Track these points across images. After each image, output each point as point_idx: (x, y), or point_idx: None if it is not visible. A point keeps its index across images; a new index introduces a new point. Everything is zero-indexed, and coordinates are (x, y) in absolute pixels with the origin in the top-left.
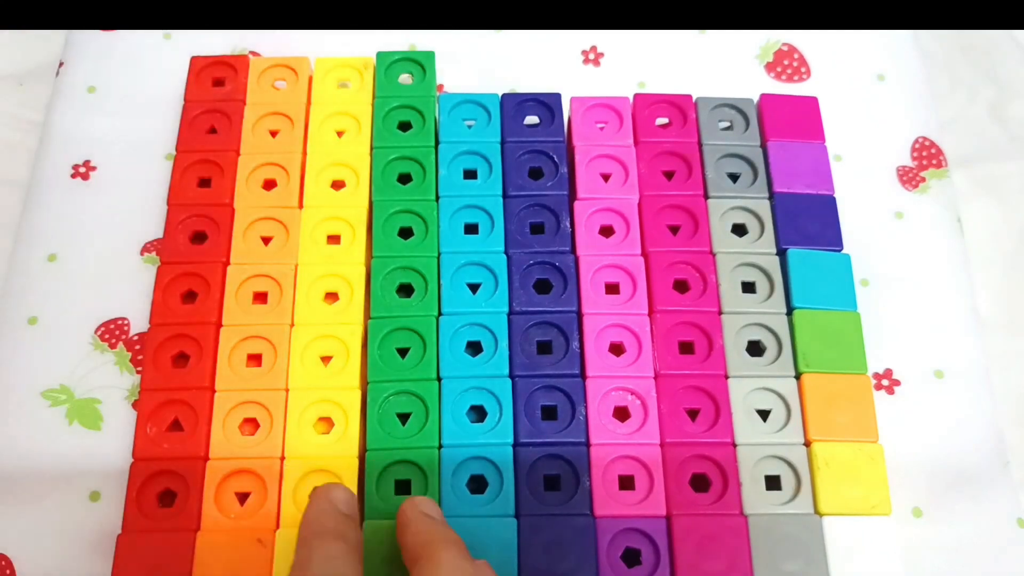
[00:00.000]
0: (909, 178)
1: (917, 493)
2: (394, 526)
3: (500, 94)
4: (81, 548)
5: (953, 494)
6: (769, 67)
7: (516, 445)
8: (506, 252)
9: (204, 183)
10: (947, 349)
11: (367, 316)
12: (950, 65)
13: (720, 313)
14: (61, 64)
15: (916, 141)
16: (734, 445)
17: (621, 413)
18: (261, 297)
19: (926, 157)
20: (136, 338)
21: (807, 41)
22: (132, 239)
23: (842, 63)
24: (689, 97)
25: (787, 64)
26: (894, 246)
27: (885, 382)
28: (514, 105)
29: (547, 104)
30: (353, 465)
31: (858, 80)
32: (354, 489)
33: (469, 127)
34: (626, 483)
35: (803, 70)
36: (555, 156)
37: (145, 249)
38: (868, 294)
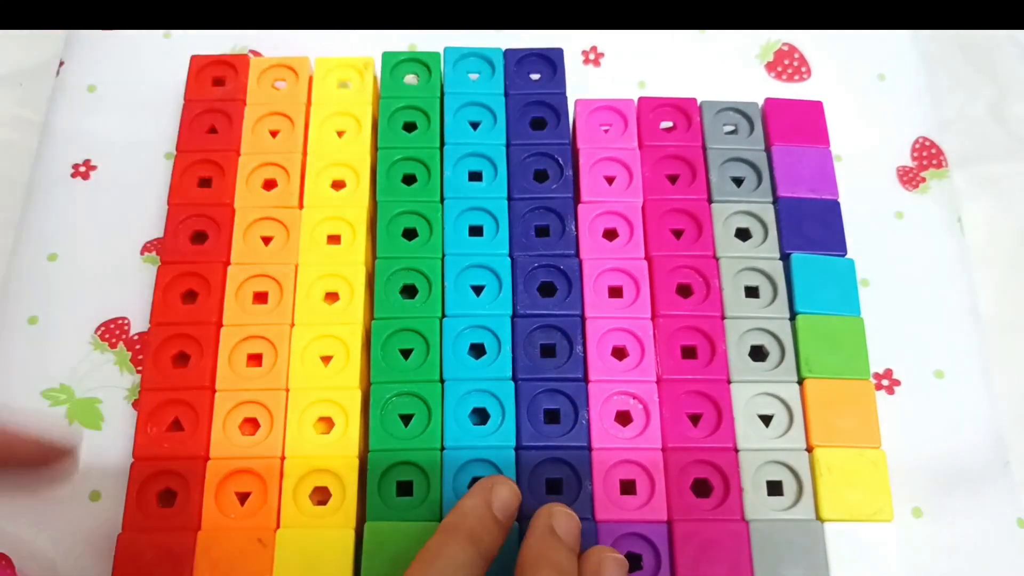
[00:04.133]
0: (909, 178)
1: (917, 493)
2: (396, 527)
3: (505, 95)
4: (81, 548)
5: (953, 494)
6: (769, 67)
7: (518, 448)
8: (510, 255)
9: (204, 183)
10: (947, 349)
11: (367, 316)
12: (950, 65)
13: (723, 318)
14: (61, 64)
15: (916, 141)
16: (736, 450)
17: (623, 417)
18: (261, 297)
19: (926, 157)
20: (136, 338)
21: (807, 41)
22: (132, 239)
23: (842, 63)
24: (694, 101)
25: (787, 64)
26: (894, 246)
27: (885, 382)
28: (519, 107)
29: (553, 106)
30: (353, 465)
31: (858, 80)
32: (354, 494)
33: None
34: (627, 488)
35: (803, 70)
36: (560, 159)
37: (145, 249)
38: (868, 294)
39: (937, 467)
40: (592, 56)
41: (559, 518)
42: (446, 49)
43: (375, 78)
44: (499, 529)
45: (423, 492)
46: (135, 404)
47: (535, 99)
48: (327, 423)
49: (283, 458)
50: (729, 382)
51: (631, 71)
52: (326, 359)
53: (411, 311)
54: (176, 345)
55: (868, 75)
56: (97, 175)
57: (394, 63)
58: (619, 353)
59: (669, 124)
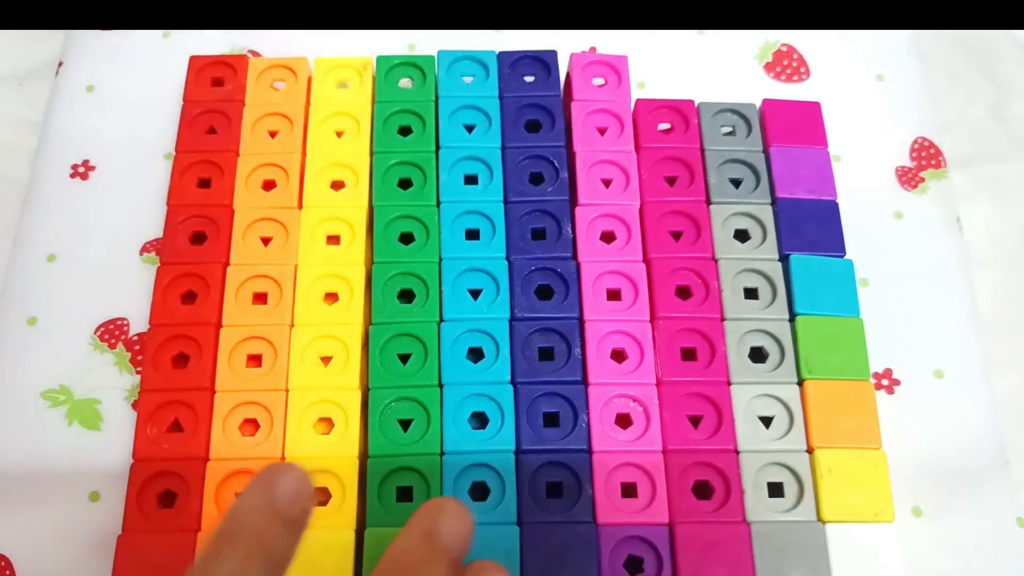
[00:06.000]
0: (908, 179)
1: (917, 493)
2: (396, 533)
3: (499, 97)
4: (81, 549)
5: (952, 493)
6: (768, 67)
7: (518, 452)
8: (507, 258)
9: (204, 183)
10: (946, 349)
11: (367, 317)
12: (950, 65)
13: (722, 319)
14: (60, 64)
15: (915, 142)
16: (736, 452)
17: (623, 420)
18: (261, 298)
19: (925, 158)
20: (136, 338)
21: (806, 41)
22: (132, 239)
23: (841, 63)
24: (691, 102)
25: (786, 64)
26: (893, 246)
27: (885, 382)
28: (514, 110)
29: (547, 108)
30: (353, 465)
31: (857, 80)
32: (354, 495)
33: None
34: (628, 491)
35: (802, 70)
36: (555, 161)
37: (145, 249)
38: (867, 294)
39: (937, 467)
40: None
41: (446, 519)
42: (440, 52)
43: (374, 78)
44: (288, 529)
45: (423, 497)
46: (135, 405)
47: (530, 101)
48: (327, 424)
49: (283, 459)
50: (729, 384)
51: (631, 72)
52: (326, 359)
53: (408, 316)
54: (176, 346)
55: (867, 75)
56: (96, 175)
57: (388, 67)
58: (618, 356)
59: (667, 126)
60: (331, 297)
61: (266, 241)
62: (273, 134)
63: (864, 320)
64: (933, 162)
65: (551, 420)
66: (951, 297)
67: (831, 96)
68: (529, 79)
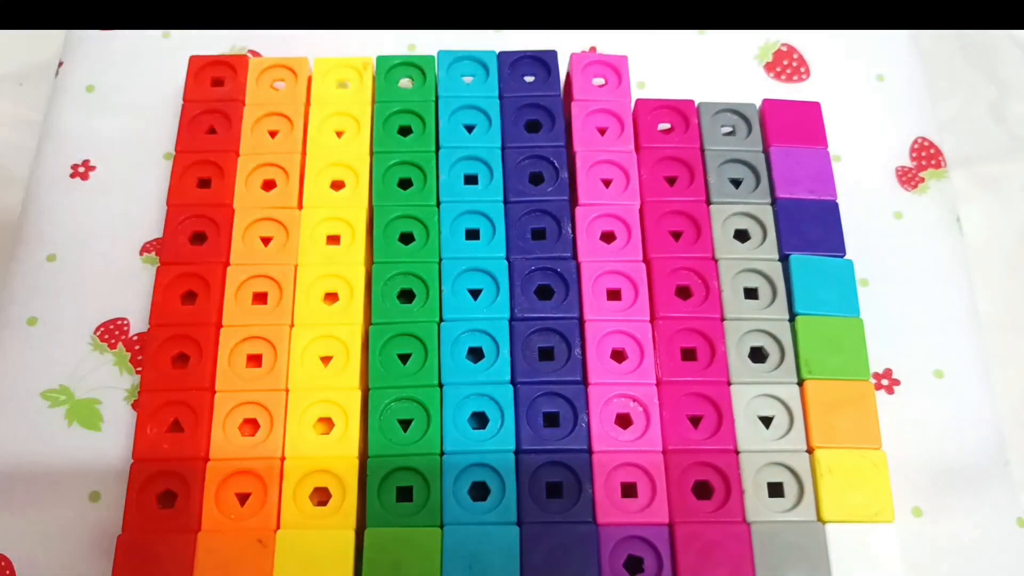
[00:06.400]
0: (908, 178)
1: (917, 493)
2: (396, 534)
3: (499, 97)
4: (81, 549)
5: (953, 494)
6: (768, 67)
7: (518, 452)
8: (507, 258)
9: (204, 183)
10: (946, 349)
11: (367, 317)
12: (950, 65)
13: (722, 319)
14: (60, 64)
15: (915, 141)
16: (736, 452)
17: (623, 420)
18: (261, 298)
19: (925, 158)
20: (136, 338)
21: (806, 41)
22: (132, 239)
23: (841, 63)
24: (691, 102)
25: (786, 64)
26: (893, 246)
27: (885, 382)
28: (514, 110)
29: (547, 108)
30: (353, 465)
31: (857, 80)
32: (354, 495)
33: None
34: (628, 490)
35: (802, 70)
36: (555, 161)
37: (145, 249)
38: (867, 294)
39: (937, 467)
40: None
41: None
42: (440, 52)
43: (374, 78)
44: None
45: (423, 497)
46: (135, 405)
47: (529, 101)
48: (327, 423)
49: (283, 459)
50: (729, 384)
51: (631, 72)
52: (326, 359)
53: (408, 316)
54: (176, 346)
55: (867, 75)
56: (96, 175)
57: (388, 67)
58: (618, 356)
59: (667, 126)
60: (331, 297)
61: (266, 241)
62: (273, 134)
63: (864, 320)
64: (933, 162)
65: (551, 420)
66: (951, 297)
67: (831, 96)
68: (529, 79)
